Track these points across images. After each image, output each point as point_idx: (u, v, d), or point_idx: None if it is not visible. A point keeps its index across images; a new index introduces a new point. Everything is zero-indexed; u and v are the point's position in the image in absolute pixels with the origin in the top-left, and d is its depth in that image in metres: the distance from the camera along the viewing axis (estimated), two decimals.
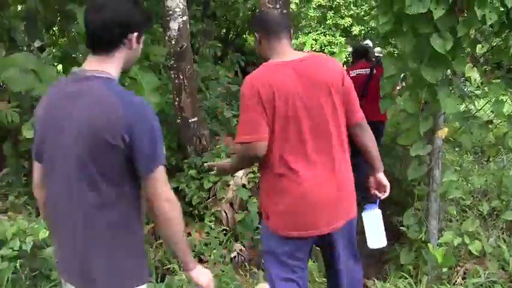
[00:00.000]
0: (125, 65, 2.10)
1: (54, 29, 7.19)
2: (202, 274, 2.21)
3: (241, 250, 4.65)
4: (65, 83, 2.09)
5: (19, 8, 6.54)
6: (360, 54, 6.66)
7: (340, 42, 16.72)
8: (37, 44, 6.60)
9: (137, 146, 1.93)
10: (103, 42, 2.02)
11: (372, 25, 12.33)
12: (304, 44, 15.03)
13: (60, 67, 6.29)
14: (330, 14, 16.74)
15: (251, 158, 2.73)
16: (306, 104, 2.64)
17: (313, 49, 14.80)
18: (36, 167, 2.18)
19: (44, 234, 3.72)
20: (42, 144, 2.09)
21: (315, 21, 16.93)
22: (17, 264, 3.68)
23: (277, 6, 5.59)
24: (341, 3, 15.34)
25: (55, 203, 2.10)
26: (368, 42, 9.56)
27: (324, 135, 2.69)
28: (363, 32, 14.04)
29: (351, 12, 15.13)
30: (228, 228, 4.82)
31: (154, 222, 2.09)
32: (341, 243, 2.85)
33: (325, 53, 16.63)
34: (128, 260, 2.07)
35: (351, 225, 2.86)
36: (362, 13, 14.12)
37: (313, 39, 16.35)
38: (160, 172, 2.00)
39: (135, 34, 2.05)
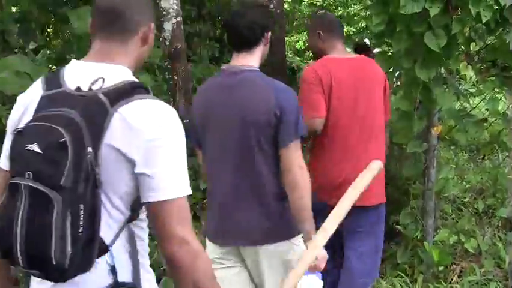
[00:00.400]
0: (262, 59, 2.55)
1: (48, 30, 7.17)
2: (320, 247, 2.51)
3: None
4: (219, 78, 2.58)
5: (13, 9, 6.51)
6: (359, 50, 6.71)
7: None
8: (32, 45, 6.58)
9: (285, 118, 2.37)
10: (247, 41, 2.48)
11: (363, 25, 12.28)
12: (297, 41, 14.98)
13: (54, 69, 6.29)
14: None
15: (310, 132, 3.04)
16: (357, 93, 3.12)
17: (306, 46, 14.71)
18: (200, 154, 2.65)
19: None
20: (204, 131, 2.53)
21: (308, 20, 16.83)
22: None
23: (271, 6, 5.60)
24: (331, 3, 15.28)
25: (221, 181, 2.52)
26: (366, 41, 9.56)
27: (367, 124, 3.15)
28: (351, 32, 14.02)
29: (340, 12, 15.09)
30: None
31: (286, 188, 2.45)
32: (368, 221, 3.21)
33: None
34: (284, 220, 2.48)
35: (374, 210, 3.23)
36: (352, 13, 14.05)
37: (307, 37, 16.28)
38: (297, 143, 2.42)
39: (269, 32, 2.52)
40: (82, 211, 1.42)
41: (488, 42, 3.92)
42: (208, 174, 2.62)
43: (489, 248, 4.10)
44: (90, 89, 1.49)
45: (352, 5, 14.21)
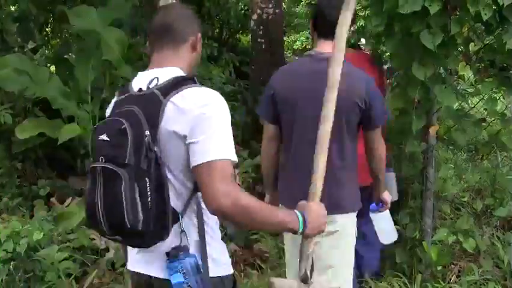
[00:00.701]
0: None
1: (47, 29, 7.16)
2: (388, 195, 3.17)
3: (235, 251, 4.64)
4: (306, 62, 2.87)
5: (12, 8, 6.51)
6: None
7: None
8: (31, 45, 6.57)
9: (374, 105, 2.74)
10: None
11: (360, 24, 12.30)
12: (295, 41, 15.00)
13: (53, 68, 6.28)
14: None
15: None
16: None
17: (303, 46, 14.73)
18: (270, 127, 2.96)
19: (38, 235, 3.71)
20: (291, 111, 2.82)
21: (306, 20, 16.83)
22: (11, 266, 3.67)
23: (270, 5, 5.60)
24: None
25: (302, 154, 2.76)
26: (363, 40, 9.54)
27: None
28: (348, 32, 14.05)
29: None
30: (222, 229, 4.77)
31: (371, 161, 2.95)
32: None
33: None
34: (355, 191, 2.92)
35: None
36: None
37: (306, 37, 16.28)
38: (381, 128, 2.86)
39: (353, 27, 2.86)
40: (148, 183, 1.73)
41: (487, 42, 3.92)
42: (292, 149, 2.88)
43: (487, 248, 4.10)
44: (148, 87, 1.88)
45: None
